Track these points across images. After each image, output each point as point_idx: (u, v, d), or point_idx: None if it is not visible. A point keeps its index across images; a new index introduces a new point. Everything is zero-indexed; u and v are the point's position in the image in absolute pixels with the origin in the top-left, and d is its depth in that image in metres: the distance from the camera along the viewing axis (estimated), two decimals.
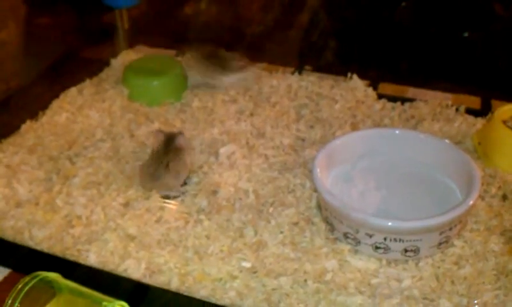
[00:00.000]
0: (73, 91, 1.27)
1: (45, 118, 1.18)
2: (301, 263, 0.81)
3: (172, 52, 1.45)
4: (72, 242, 0.87)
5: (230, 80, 1.21)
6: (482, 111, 1.15)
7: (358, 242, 0.82)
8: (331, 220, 0.85)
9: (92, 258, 0.84)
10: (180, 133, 0.98)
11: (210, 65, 1.22)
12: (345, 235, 0.83)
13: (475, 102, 1.20)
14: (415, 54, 1.39)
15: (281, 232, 0.87)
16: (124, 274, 0.81)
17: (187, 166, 0.98)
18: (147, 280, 0.80)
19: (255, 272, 0.81)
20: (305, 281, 0.79)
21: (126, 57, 1.42)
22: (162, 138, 0.97)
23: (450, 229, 0.80)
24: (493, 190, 0.94)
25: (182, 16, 1.64)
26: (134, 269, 0.82)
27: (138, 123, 1.15)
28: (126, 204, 0.94)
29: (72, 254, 0.85)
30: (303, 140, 1.09)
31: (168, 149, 0.95)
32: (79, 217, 0.91)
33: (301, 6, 1.55)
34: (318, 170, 0.88)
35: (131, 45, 1.50)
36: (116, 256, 0.84)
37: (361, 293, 0.77)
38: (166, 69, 1.26)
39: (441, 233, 0.79)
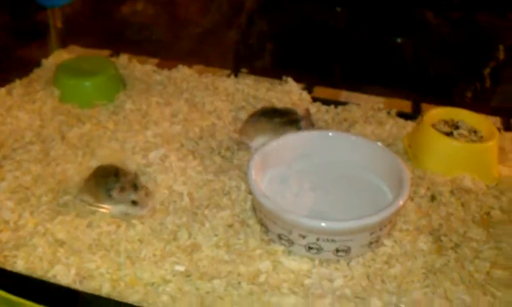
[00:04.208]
0: (1, 91, 1.23)
1: None
2: (235, 265, 0.81)
3: (106, 53, 1.42)
4: None
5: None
6: (413, 115, 1.19)
7: (292, 243, 0.82)
8: (266, 222, 0.85)
9: (20, 264, 0.81)
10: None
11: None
12: (279, 236, 0.83)
13: (406, 105, 1.24)
14: (348, 59, 1.41)
15: (216, 234, 0.87)
16: (53, 280, 0.79)
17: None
18: (77, 286, 0.78)
19: (188, 276, 0.80)
20: (239, 283, 0.79)
21: (58, 57, 1.39)
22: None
23: (381, 229, 0.82)
24: (422, 191, 0.96)
25: (117, 16, 1.62)
26: (63, 275, 0.79)
27: (69, 125, 1.12)
28: (55, 209, 0.91)
29: None
30: (240, 142, 1.09)
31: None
32: (6, 222, 0.88)
33: (238, 9, 1.56)
34: (253, 172, 0.88)
35: (64, 45, 1.46)
36: (44, 261, 0.82)
37: (294, 293, 0.77)
38: (98, 69, 1.23)
39: (371, 233, 0.81)
